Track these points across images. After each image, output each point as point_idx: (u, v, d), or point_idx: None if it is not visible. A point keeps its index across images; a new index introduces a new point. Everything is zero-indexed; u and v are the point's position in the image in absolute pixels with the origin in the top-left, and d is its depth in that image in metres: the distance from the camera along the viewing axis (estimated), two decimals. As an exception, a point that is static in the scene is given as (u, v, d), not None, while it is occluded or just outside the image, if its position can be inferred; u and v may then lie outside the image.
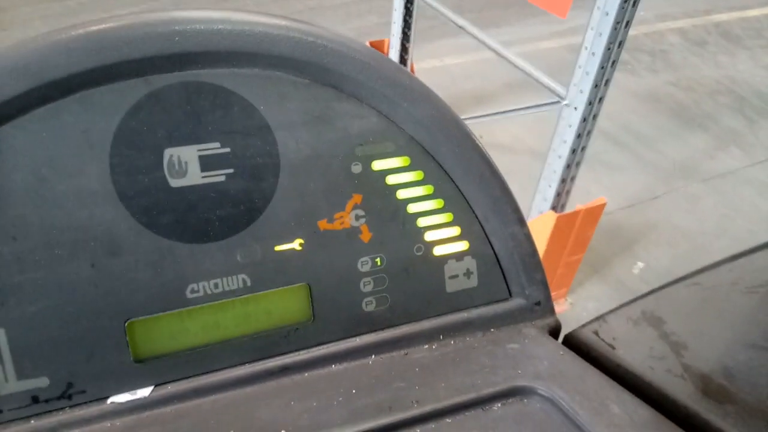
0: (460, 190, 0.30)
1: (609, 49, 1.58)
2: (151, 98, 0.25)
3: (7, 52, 0.23)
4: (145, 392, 0.26)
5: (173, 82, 0.25)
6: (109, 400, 0.26)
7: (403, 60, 2.36)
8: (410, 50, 2.32)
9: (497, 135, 2.51)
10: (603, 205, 1.76)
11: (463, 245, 0.31)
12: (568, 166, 1.76)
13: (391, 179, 0.30)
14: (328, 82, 0.27)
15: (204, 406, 0.26)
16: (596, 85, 1.65)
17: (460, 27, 2.02)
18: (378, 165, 0.30)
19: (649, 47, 3.32)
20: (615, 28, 1.53)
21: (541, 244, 1.74)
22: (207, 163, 0.26)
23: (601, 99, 1.70)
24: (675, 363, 0.27)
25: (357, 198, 0.29)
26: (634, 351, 0.28)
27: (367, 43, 2.44)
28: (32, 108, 0.24)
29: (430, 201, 0.30)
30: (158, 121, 0.25)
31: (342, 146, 0.28)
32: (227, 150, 0.26)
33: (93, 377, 0.26)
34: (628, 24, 1.52)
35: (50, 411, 0.25)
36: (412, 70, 2.37)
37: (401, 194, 0.30)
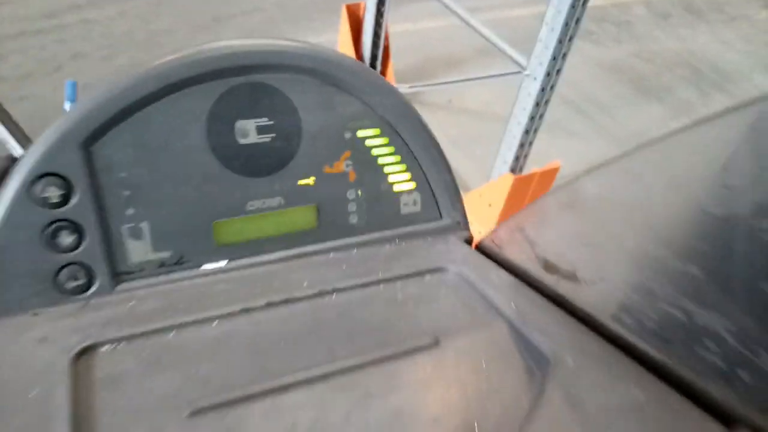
0: (411, 150, 0.49)
1: (567, 25, 1.74)
2: (229, 91, 0.42)
3: (149, 65, 0.40)
4: (222, 263, 0.45)
5: (242, 82, 0.42)
6: (202, 267, 0.44)
7: (378, 23, 2.45)
8: (385, 13, 2.41)
9: (467, 100, 2.67)
10: (557, 169, 1.93)
11: (412, 185, 0.50)
12: (526, 132, 1.92)
13: (368, 142, 0.48)
14: (332, 83, 0.45)
15: (256, 272, 0.45)
16: (554, 58, 1.80)
17: (433, -7, 2.15)
18: (360, 133, 0.48)
19: (615, 18, 3.51)
20: (573, 6, 1.68)
21: (499, 203, 1.92)
22: (260, 129, 0.44)
23: (558, 71, 1.86)
24: (532, 254, 0.46)
25: (347, 153, 0.47)
26: (513, 248, 0.48)
27: (344, 7, 2.53)
28: (162, 98, 0.41)
29: (392, 156, 0.49)
30: (233, 105, 0.43)
31: (339, 121, 0.46)
32: (272, 122, 0.44)
33: (194, 253, 0.44)
34: (585, 2, 1.68)
35: (170, 272, 0.43)
36: (386, 34, 2.48)
37: (374, 152, 0.48)
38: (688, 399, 0.36)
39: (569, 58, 1.83)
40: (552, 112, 1.92)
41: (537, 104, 1.88)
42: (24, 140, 0.54)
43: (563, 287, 0.44)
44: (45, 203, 0.38)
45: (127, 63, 2.62)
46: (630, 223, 0.39)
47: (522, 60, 1.90)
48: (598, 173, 0.40)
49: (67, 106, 0.57)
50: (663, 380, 0.37)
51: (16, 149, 0.53)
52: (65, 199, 0.39)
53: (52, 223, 0.39)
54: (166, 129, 0.41)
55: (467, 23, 2.11)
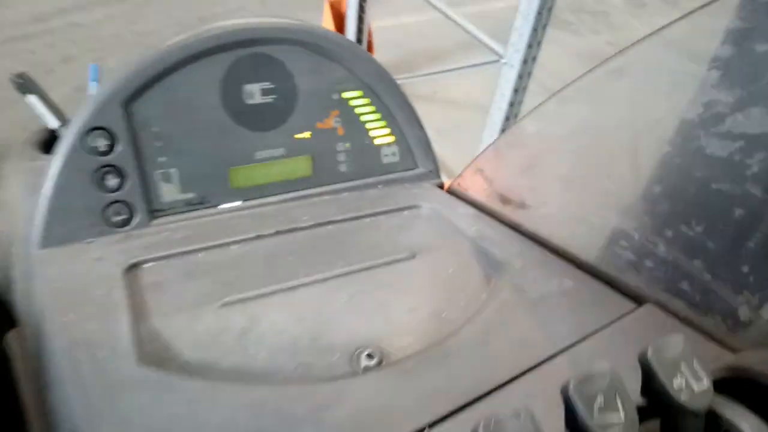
0: (389, 109, 0.59)
1: (540, 13, 1.85)
2: (238, 60, 0.52)
3: (175, 40, 0.50)
4: (237, 203, 0.55)
5: (248, 53, 0.52)
6: (220, 206, 0.54)
7: (360, 18, 2.54)
8: (367, 9, 2.50)
9: (451, 92, 2.78)
10: (536, 152, 2.04)
11: (391, 139, 0.61)
12: (507, 118, 2.03)
13: (353, 102, 0.58)
14: (321, 53, 0.55)
15: (264, 210, 0.55)
16: (530, 46, 1.91)
17: (414, -11, 2.25)
18: (346, 95, 0.58)
19: (591, 8, 3.64)
20: (544, -5, 1.79)
21: (482, 185, 2.02)
22: (264, 92, 0.54)
23: (534, 58, 1.97)
24: (490, 191, 0.57)
25: (336, 112, 0.58)
26: (475, 188, 0.58)
27: (326, 2, 2.61)
28: (185, 66, 0.51)
29: (374, 114, 0.59)
30: (241, 71, 0.52)
31: (327, 85, 0.56)
32: (273, 86, 0.54)
33: (214, 195, 0.54)
34: (556, -9, 1.79)
35: (195, 209, 0.53)
36: (369, 30, 2.57)
37: (358, 110, 0.59)
38: (609, 286, 0.47)
39: (549, 48, 1.94)
40: (533, 99, 2.02)
41: (515, 91, 1.99)
42: (58, 114, 0.63)
43: (516, 214, 0.54)
44: (94, 152, 0.48)
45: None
46: (561, 152, 0.50)
47: (500, 49, 2.01)
48: (534, 114, 0.51)
49: (91, 86, 0.67)
50: (589, 274, 0.48)
51: (52, 123, 0.63)
52: (110, 149, 0.49)
53: (100, 168, 0.49)
54: (188, 91, 0.51)
55: (446, 15, 2.22)
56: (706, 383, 0.29)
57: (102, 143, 0.48)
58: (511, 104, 2.02)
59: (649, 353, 0.29)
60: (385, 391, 0.36)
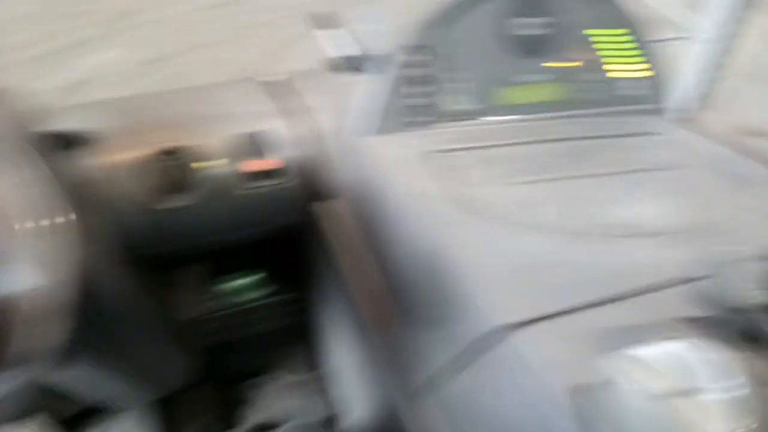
0: (626, 47, 0.69)
1: None
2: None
3: None
4: (500, 117, 0.68)
5: None
6: (488, 117, 0.68)
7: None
8: None
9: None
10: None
11: (629, 74, 0.70)
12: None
13: (598, 38, 0.69)
14: None
15: (523, 125, 0.67)
16: (725, 22, 1.85)
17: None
18: (593, 32, 0.69)
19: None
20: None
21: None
22: (529, 25, 0.66)
23: (730, 36, 1.89)
24: (724, 121, 0.64)
25: (584, 46, 0.68)
26: (706, 119, 0.66)
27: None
28: (469, 2, 0.65)
29: (614, 51, 0.69)
30: (513, 8, 0.65)
31: (578, 23, 0.67)
32: (537, 21, 0.66)
33: (484, 108, 0.68)
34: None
35: (469, 118, 0.67)
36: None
37: (601, 47, 0.69)
38: None
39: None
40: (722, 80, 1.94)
41: (703, 71, 1.93)
42: (349, 45, 0.81)
43: (752, 141, 0.61)
44: (407, 64, 0.63)
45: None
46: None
47: (689, 25, 1.95)
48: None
49: (365, 28, 0.83)
50: None
51: (347, 50, 0.80)
52: (415, 63, 0.64)
53: (408, 78, 0.64)
54: (471, 22, 0.64)
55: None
56: None
57: (410, 58, 0.63)
58: (698, 86, 1.96)
59: None
60: (652, 247, 0.46)
